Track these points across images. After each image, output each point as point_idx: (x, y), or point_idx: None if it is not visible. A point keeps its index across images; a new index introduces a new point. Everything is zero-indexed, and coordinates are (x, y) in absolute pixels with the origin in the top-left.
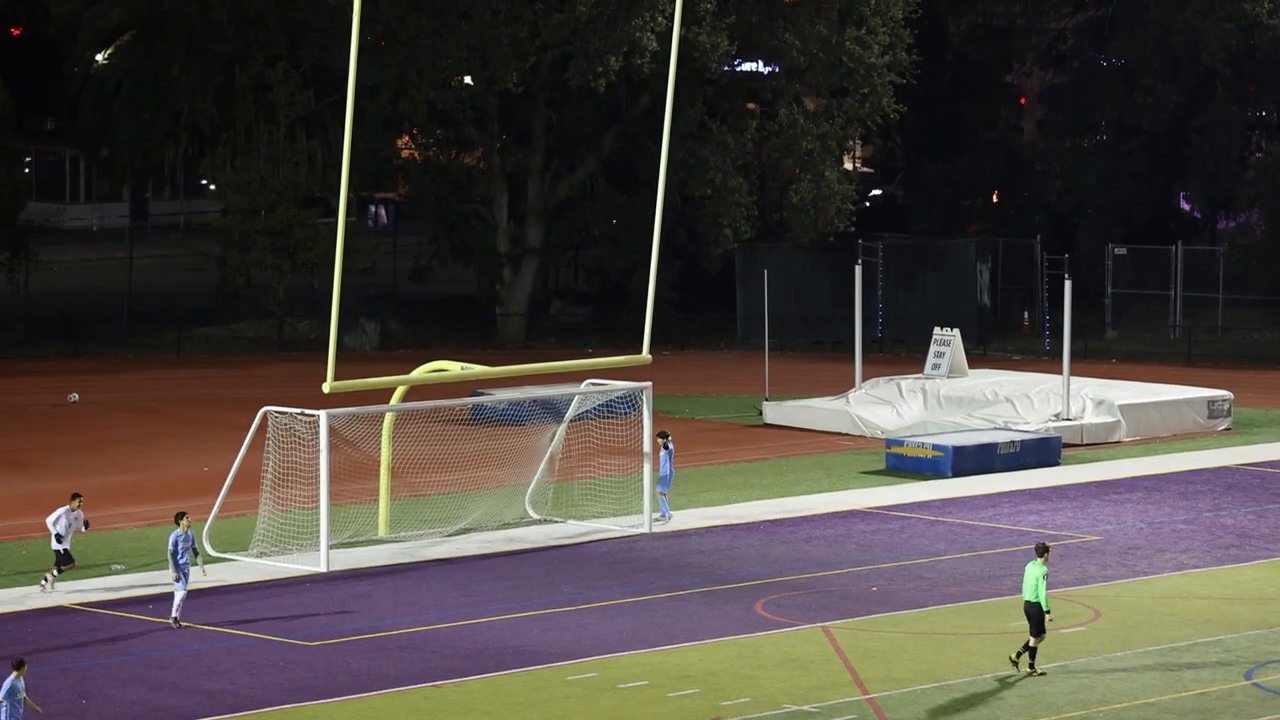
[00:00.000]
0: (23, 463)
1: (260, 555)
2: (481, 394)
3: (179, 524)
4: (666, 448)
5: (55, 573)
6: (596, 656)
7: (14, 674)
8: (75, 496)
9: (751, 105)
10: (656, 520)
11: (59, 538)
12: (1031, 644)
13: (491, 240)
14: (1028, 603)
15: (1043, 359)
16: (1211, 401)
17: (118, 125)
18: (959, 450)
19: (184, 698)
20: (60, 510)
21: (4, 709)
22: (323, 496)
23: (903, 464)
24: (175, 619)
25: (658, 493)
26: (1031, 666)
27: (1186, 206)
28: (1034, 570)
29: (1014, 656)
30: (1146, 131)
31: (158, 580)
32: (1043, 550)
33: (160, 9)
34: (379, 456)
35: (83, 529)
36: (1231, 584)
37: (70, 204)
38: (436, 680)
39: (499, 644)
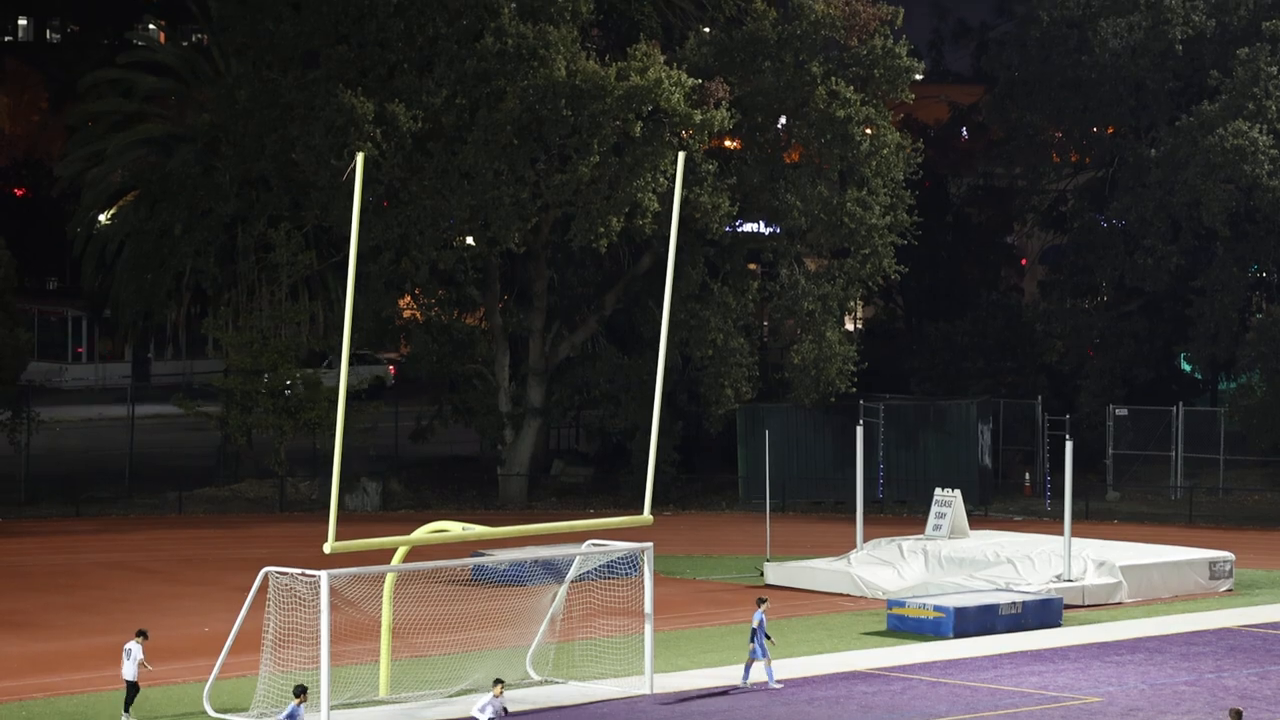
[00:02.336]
0: (23, 623)
1: (260, 716)
2: (483, 554)
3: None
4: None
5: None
6: None
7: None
8: (140, 633)
9: (753, 265)
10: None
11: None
12: None
13: (493, 400)
14: None
15: (1044, 520)
16: (1213, 562)
17: (120, 285)
18: (960, 611)
19: None
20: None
21: None
22: (323, 657)
23: (904, 625)
24: None
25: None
26: None
27: (1188, 368)
28: None
29: None
30: (1147, 292)
31: None
32: (1238, 716)
33: (163, 170)
34: (380, 617)
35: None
36: None
37: (72, 364)
38: None
39: None
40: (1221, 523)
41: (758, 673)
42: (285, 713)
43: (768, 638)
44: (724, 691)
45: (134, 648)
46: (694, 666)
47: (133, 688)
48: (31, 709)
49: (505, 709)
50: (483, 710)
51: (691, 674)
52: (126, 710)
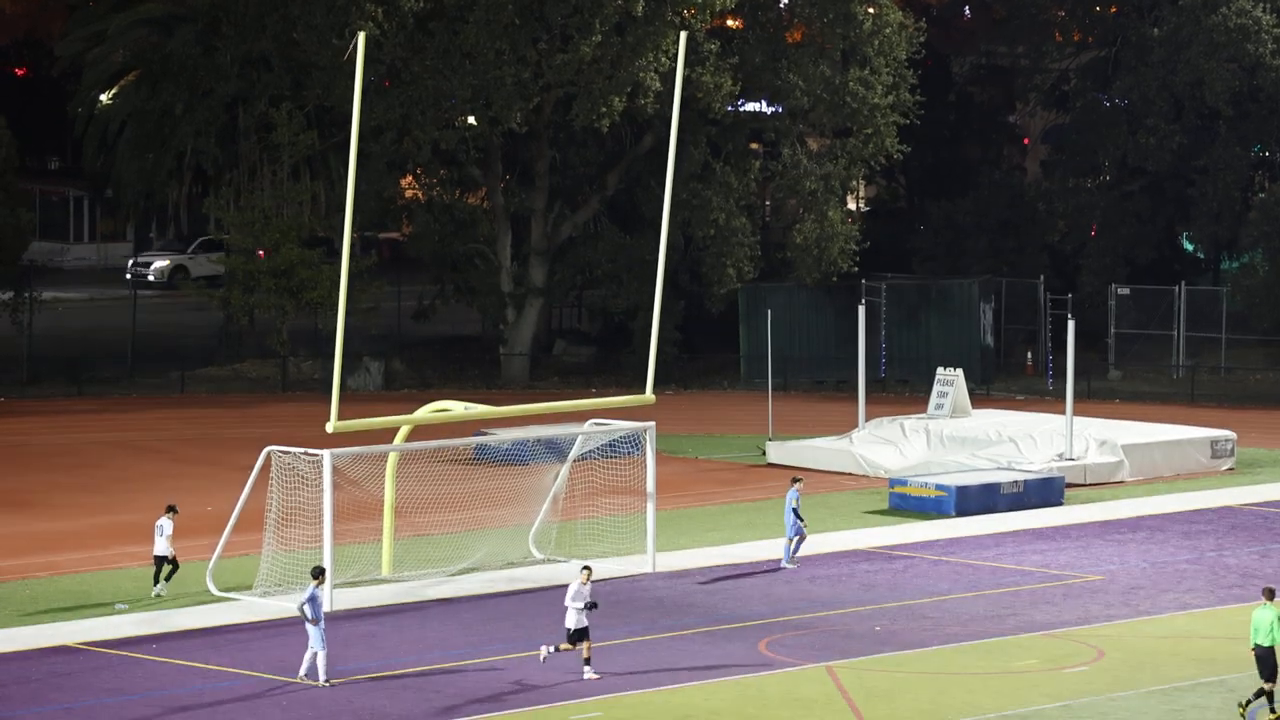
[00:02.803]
0: (26, 503)
1: (264, 595)
2: (485, 433)
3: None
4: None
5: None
6: (600, 696)
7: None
8: (171, 509)
9: (755, 145)
10: (788, 566)
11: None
12: (1268, 689)
13: (495, 280)
14: (1260, 647)
15: (1046, 399)
16: (1215, 441)
17: (121, 165)
18: (962, 490)
19: None
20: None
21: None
22: (326, 536)
23: (906, 504)
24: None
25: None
26: (1274, 711)
27: (1190, 247)
28: (1266, 614)
29: (1242, 708)
30: (1150, 172)
31: (161, 620)
32: (1271, 594)
33: (164, 50)
34: (382, 496)
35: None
36: (1235, 624)
37: (74, 244)
38: (440, 719)
39: (502, 683)
40: (1223, 402)
41: (802, 548)
42: (306, 595)
43: (799, 517)
44: (769, 571)
45: (165, 523)
46: (696, 545)
47: (160, 562)
48: (34, 587)
49: (593, 603)
50: (574, 598)
51: (693, 552)
52: (157, 582)
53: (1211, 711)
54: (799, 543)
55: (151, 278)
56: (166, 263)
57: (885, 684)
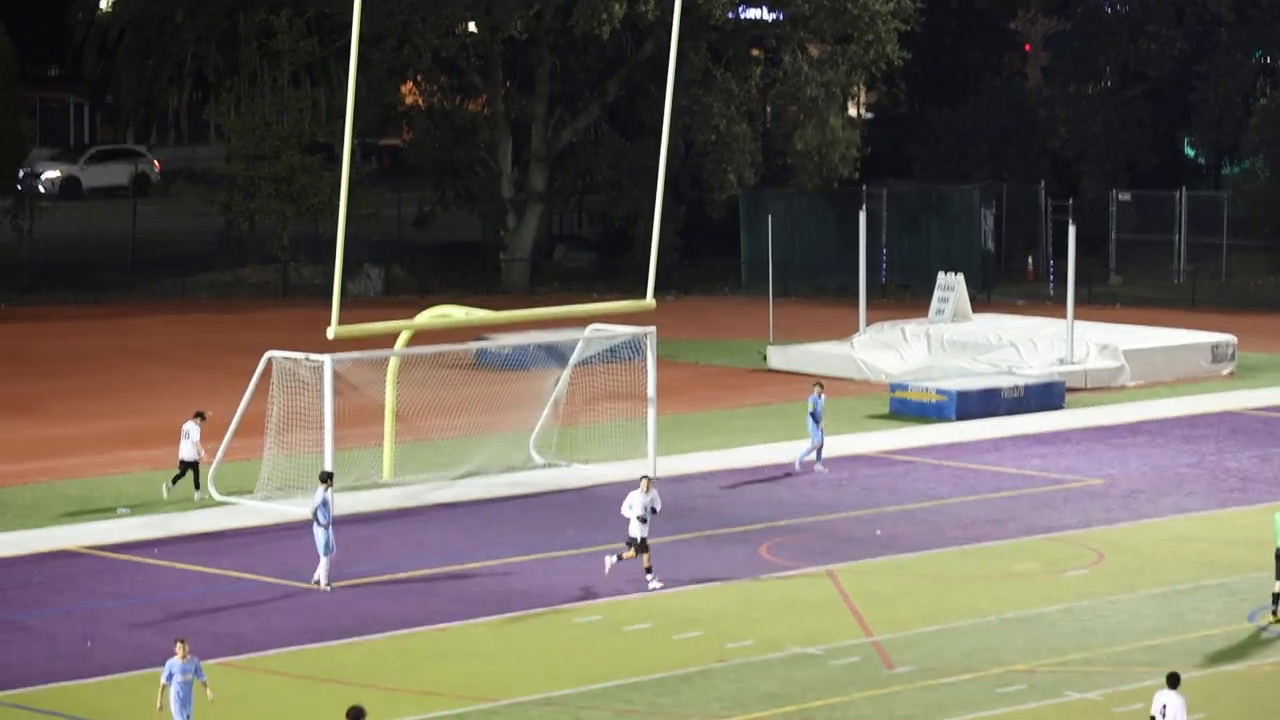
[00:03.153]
0: (27, 408)
1: (265, 499)
2: (485, 339)
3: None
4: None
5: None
6: (602, 599)
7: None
8: (199, 415)
9: (756, 52)
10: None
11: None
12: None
13: (495, 186)
14: None
15: (1047, 304)
16: (1215, 346)
17: (121, 72)
18: (963, 394)
19: (189, 640)
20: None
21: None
22: (327, 441)
23: (906, 408)
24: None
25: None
26: (1276, 616)
27: (1191, 153)
28: None
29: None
30: (1151, 78)
31: (163, 524)
32: None
33: None
34: (383, 401)
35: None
36: (1235, 527)
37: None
38: (442, 623)
39: (504, 587)
40: (1224, 306)
41: (826, 450)
42: (317, 501)
43: (815, 422)
44: (778, 476)
45: (192, 428)
46: (697, 450)
47: (185, 466)
48: (36, 492)
49: (655, 507)
50: (632, 508)
51: (694, 457)
52: (175, 483)
53: (1212, 615)
54: (813, 449)
55: (42, 189)
56: (57, 174)
57: (886, 587)
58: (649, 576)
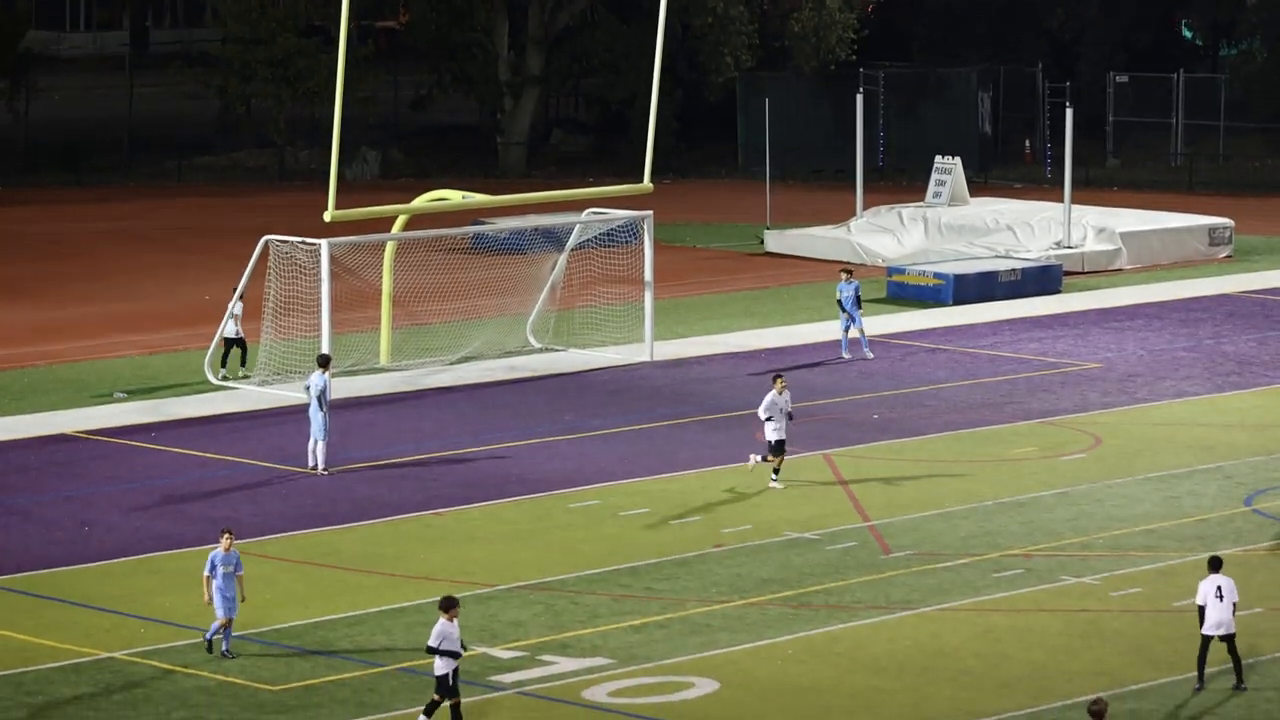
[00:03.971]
0: (24, 291)
1: (262, 384)
2: (482, 223)
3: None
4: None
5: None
6: (598, 484)
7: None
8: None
9: None
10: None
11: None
12: None
13: (492, 69)
14: None
15: (1044, 187)
16: (1212, 229)
17: None
18: (960, 278)
19: (186, 525)
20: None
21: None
22: (324, 325)
23: (904, 292)
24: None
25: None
26: None
27: (1188, 34)
28: None
29: None
30: None
31: (159, 408)
32: None
33: None
34: (380, 285)
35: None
36: (1231, 410)
37: (70, 32)
38: (438, 508)
39: (500, 472)
40: (1221, 189)
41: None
42: (314, 385)
43: (859, 306)
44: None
45: (239, 307)
46: (694, 334)
47: (230, 344)
48: (32, 376)
49: (789, 410)
50: (770, 410)
51: (691, 341)
52: (224, 364)
53: (1208, 499)
54: (848, 336)
55: None
56: None
57: (883, 471)
58: (774, 478)
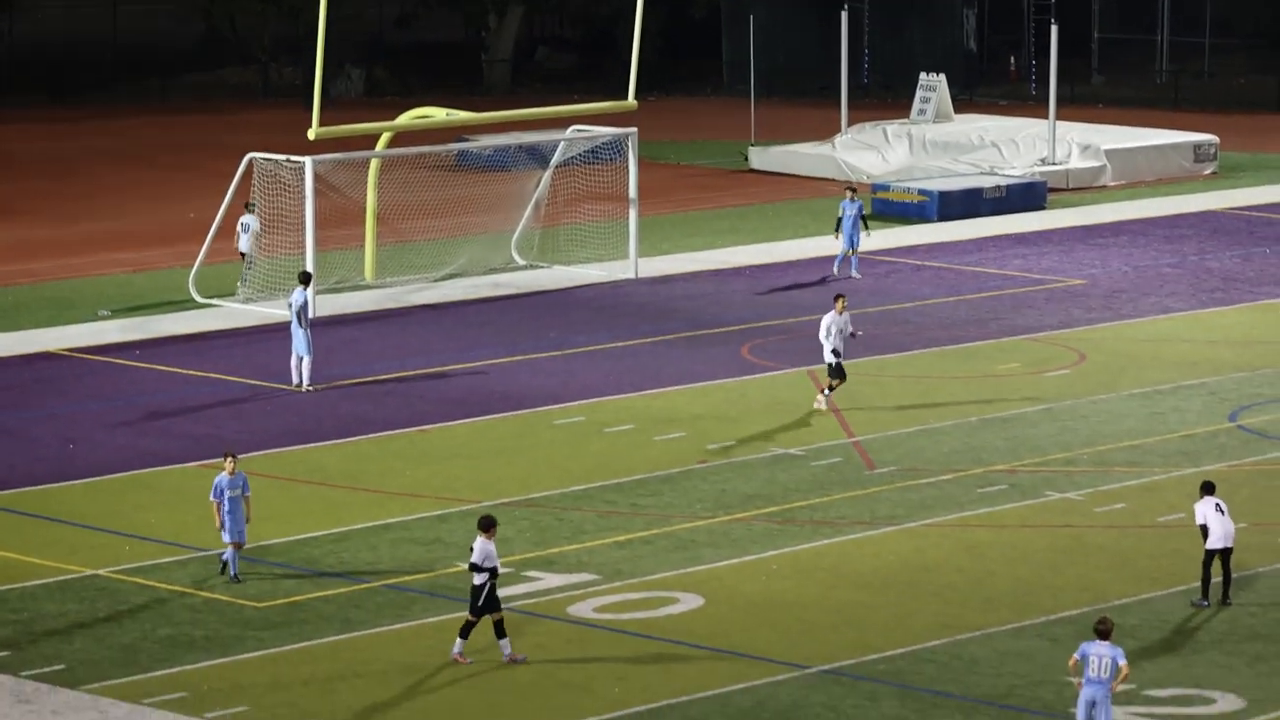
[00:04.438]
0: (7, 210)
1: (246, 301)
2: (467, 140)
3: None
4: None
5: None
6: (583, 401)
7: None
8: (249, 206)
9: None
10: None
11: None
12: None
13: None
14: None
15: (1029, 104)
16: (1197, 146)
17: None
18: (945, 195)
19: (170, 442)
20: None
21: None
22: (308, 243)
23: (888, 209)
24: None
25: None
26: None
27: None
28: None
29: None
30: None
31: (143, 326)
32: None
33: None
34: (364, 203)
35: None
36: (1216, 327)
37: None
38: (423, 425)
39: (485, 389)
40: (1206, 106)
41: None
42: (296, 301)
43: (864, 227)
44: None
45: (250, 221)
46: (678, 251)
47: (246, 260)
48: (16, 294)
49: (851, 330)
50: (829, 333)
51: (676, 258)
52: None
53: (1192, 414)
54: (844, 254)
55: None
56: None
57: (867, 388)
58: (824, 395)
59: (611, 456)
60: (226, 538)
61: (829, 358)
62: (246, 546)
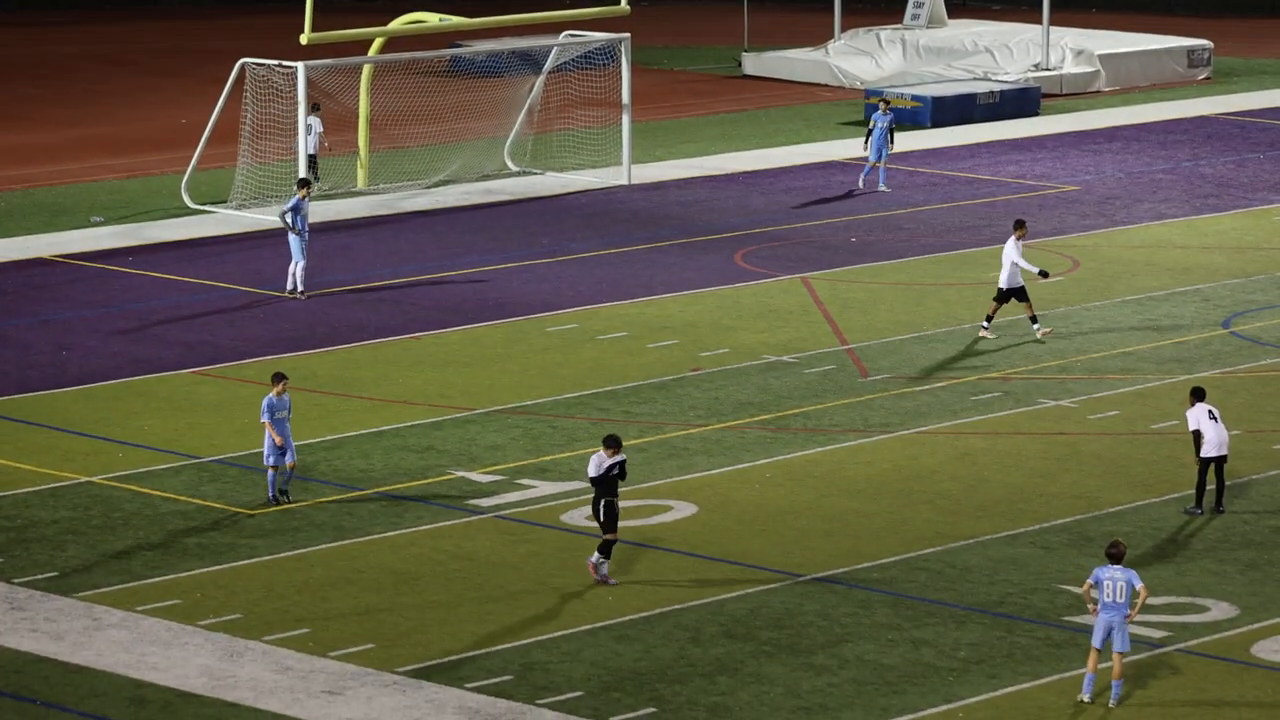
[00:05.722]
0: (0, 115)
1: (239, 207)
2: (460, 45)
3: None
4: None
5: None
6: (576, 308)
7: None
8: (315, 106)
9: None
10: (879, 190)
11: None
12: None
13: None
14: None
15: (1022, 9)
16: (1191, 51)
17: None
18: (938, 100)
19: (164, 349)
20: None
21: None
22: (300, 149)
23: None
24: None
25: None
26: None
27: None
28: None
29: None
30: None
31: (136, 232)
32: None
33: None
34: (357, 109)
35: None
36: (1210, 233)
37: None
38: (416, 332)
39: (478, 295)
40: (1200, 10)
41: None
42: (289, 205)
43: (891, 141)
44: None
45: (314, 121)
46: (671, 157)
47: (312, 161)
48: (8, 200)
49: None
50: (1011, 257)
51: (669, 164)
52: (317, 178)
53: (1186, 321)
54: (872, 168)
55: None
56: None
57: (860, 295)
58: (1036, 326)
59: (604, 364)
60: (272, 459)
61: (1003, 282)
62: (231, 454)
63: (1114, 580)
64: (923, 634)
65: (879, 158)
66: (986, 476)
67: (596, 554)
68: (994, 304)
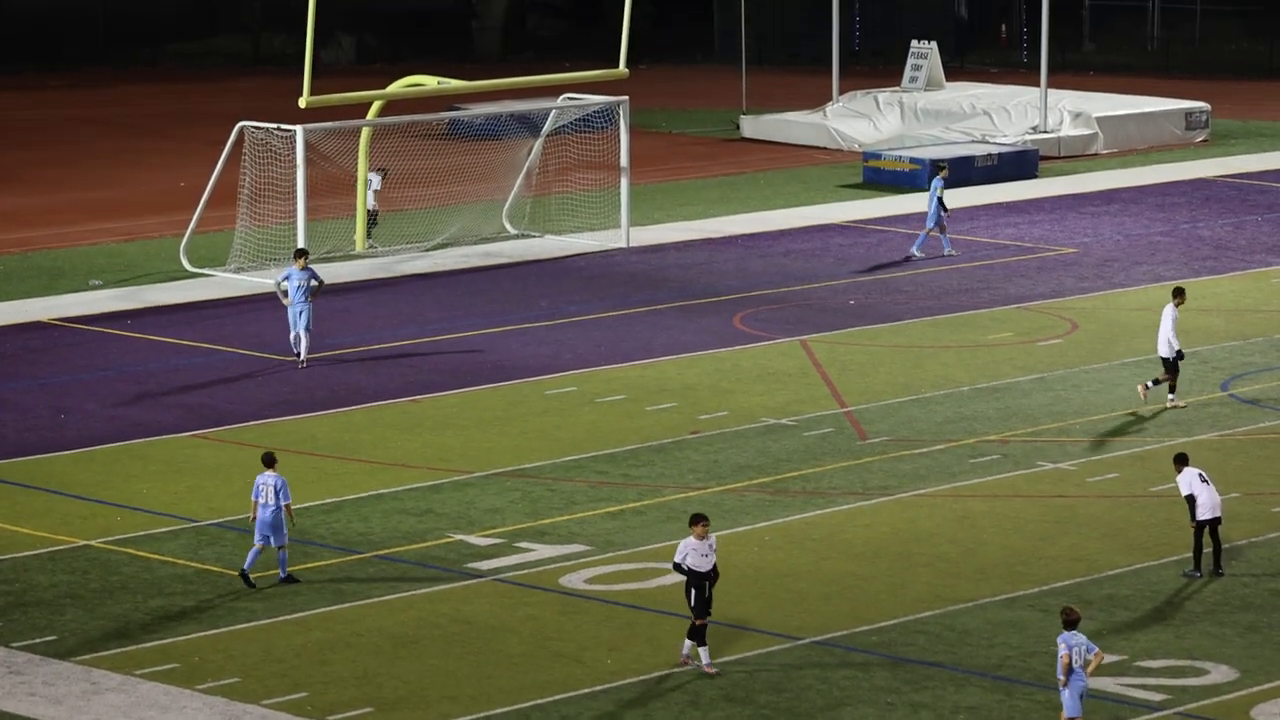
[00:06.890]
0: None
1: (238, 270)
2: (458, 109)
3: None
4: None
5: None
6: (574, 371)
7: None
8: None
9: None
10: (932, 256)
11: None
12: None
13: None
14: None
15: (1020, 71)
16: (1189, 113)
17: None
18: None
19: (162, 412)
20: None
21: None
22: (299, 211)
23: (880, 177)
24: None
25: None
26: None
27: None
28: None
29: None
30: None
31: (135, 295)
32: None
33: None
34: (355, 172)
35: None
36: (1208, 295)
37: None
38: (415, 395)
39: (477, 359)
40: (1198, 73)
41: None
42: (284, 274)
43: (943, 208)
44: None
45: (374, 178)
46: (670, 220)
47: (373, 216)
48: (7, 263)
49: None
50: (1168, 336)
51: (667, 227)
52: (369, 237)
53: (1184, 383)
54: (933, 234)
55: None
56: None
57: (859, 357)
58: (1161, 392)
59: (603, 427)
60: (259, 539)
61: (1163, 351)
62: (229, 518)
63: (1079, 645)
64: (921, 697)
65: (935, 224)
66: (985, 539)
67: (687, 640)
68: (1168, 375)
